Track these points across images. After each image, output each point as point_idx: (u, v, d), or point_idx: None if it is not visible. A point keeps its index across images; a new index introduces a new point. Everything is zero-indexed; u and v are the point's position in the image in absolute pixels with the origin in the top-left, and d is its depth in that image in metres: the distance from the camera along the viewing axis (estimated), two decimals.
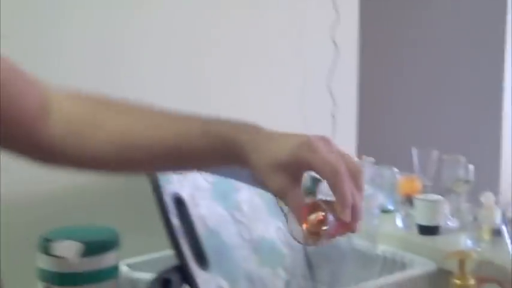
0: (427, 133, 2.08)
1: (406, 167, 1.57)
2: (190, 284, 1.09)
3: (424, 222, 1.44)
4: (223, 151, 0.75)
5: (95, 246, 1.14)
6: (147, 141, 0.79)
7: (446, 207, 1.47)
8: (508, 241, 1.26)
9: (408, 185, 1.55)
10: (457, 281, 1.16)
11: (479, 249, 1.27)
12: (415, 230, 1.44)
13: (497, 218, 1.33)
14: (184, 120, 0.79)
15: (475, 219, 1.38)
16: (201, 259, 1.14)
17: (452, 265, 1.20)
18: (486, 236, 1.33)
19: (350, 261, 1.32)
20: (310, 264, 1.35)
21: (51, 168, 0.81)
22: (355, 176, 0.72)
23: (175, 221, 1.15)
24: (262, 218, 1.34)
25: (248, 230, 1.28)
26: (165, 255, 1.22)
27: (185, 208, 1.19)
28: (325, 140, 0.73)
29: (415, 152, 1.59)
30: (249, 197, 1.34)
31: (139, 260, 1.27)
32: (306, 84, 1.71)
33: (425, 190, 1.54)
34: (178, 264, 1.11)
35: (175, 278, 1.08)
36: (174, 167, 0.87)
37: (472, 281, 1.16)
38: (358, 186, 0.72)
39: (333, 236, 0.73)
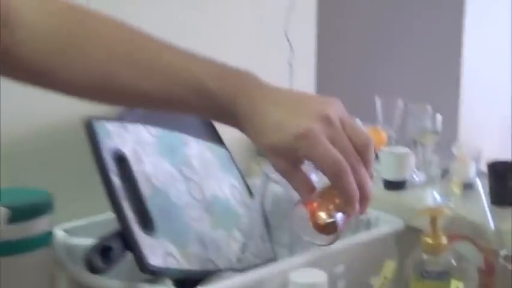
0: (390, 81, 1.98)
1: (369, 117, 1.46)
2: (133, 251, 0.97)
3: (390, 177, 1.34)
4: (216, 113, 0.71)
5: (24, 211, 1.00)
6: (131, 88, 0.70)
7: (412, 161, 1.37)
8: (482, 195, 1.16)
9: (372, 136, 1.43)
10: (428, 240, 1.06)
11: (450, 205, 1.17)
12: (381, 185, 1.34)
13: (471, 171, 1.23)
14: (175, 68, 0.70)
15: (445, 172, 1.29)
16: (146, 222, 1.02)
17: (422, 222, 1.11)
18: (457, 190, 1.23)
19: None
20: (268, 225, 1.24)
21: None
22: (363, 152, 0.68)
23: (115, 180, 1.02)
24: (215, 174, 1.22)
25: (199, 188, 1.16)
26: (106, 219, 1.09)
27: (127, 165, 1.06)
28: (328, 120, 0.67)
29: (378, 101, 1.48)
30: (199, 152, 1.22)
31: (77, 225, 1.14)
32: (262, 29, 1.58)
33: (389, 142, 1.44)
34: (120, 229, 0.98)
35: (116, 244, 0.96)
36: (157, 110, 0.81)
37: (444, 240, 1.07)
38: (366, 162, 0.68)
39: (342, 229, 0.70)
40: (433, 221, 1.06)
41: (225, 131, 1.28)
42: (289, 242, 1.21)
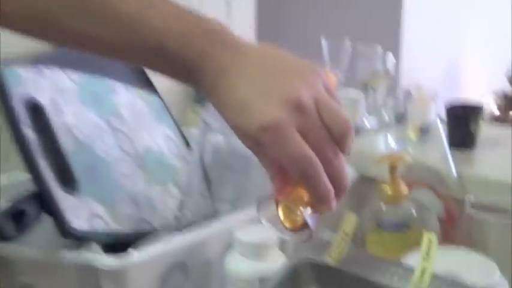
0: (336, 22, 1.87)
1: (315, 59, 1.34)
2: (52, 213, 0.83)
3: None
4: (177, 76, 0.62)
5: None
6: (77, 34, 0.62)
7: (363, 105, 1.26)
8: (444, 138, 1.06)
9: None
10: (387, 189, 0.96)
11: (408, 151, 1.07)
12: None
13: (431, 113, 1.14)
14: (131, 20, 0.60)
15: (399, 117, 1.19)
16: (68, 181, 0.88)
17: (378, 171, 1.01)
18: (413, 135, 1.13)
19: (257, 175, 1.10)
20: (208, 180, 1.12)
21: None
22: (341, 141, 0.60)
23: (29, 133, 0.87)
24: (147, 125, 1.09)
25: (130, 140, 1.02)
26: (20, 179, 0.95)
27: (43, 116, 0.91)
28: (301, 108, 0.58)
29: (324, 42, 1.37)
30: (129, 100, 1.08)
31: None
32: None
33: (338, 85, 1.33)
34: (36, 189, 0.85)
35: (31, 208, 0.82)
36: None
37: (404, 188, 0.97)
38: (343, 150, 0.60)
39: (316, 227, 0.63)
40: (393, 168, 0.96)
41: (157, 75, 1.15)
42: (232, 197, 1.10)
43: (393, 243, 0.96)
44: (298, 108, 0.58)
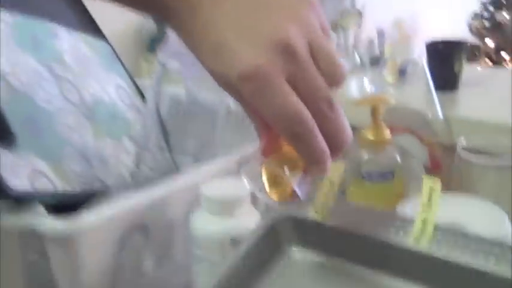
0: None
1: None
2: None
3: None
4: (141, 4, 0.54)
5: None
6: None
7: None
8: (428, 77, 0.96)
9: None
10: (369, 135, 0.86)
11: (388, 92, 0.97)
12: None
13: (414, 49, 1.03)
14: None
15: (376, 58, 1.08)
16: (4, 134, 0.76)
17: (356, 117, 0.90)
18: (391, 77, 1.03)
19: (224, 126, 0.98)
20: (166, 132, 1.00)
21: None
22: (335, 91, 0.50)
23: None
24: (95, 73, 0.97)
25: (75, 89, 0.90)
26: None
27: None
28: (290, 52, 0.47)
29: None
30: (73, 45, 0.95)
31: None
32: None
33: None
34: None
35: None
36: None
37: (387, 134, 0.87)
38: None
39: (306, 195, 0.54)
40: (375, 110, 0.86)
41: (104, 19, 1.02)
42: (195, 150, 0.98)
43: (377, 195, 0.86)
44: (287, 51, 0.47)
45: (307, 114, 0.48)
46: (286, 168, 0.54)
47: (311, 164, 0.51)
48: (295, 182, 0.53)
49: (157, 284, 0.79)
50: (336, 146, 0.51)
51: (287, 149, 0.53)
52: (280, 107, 0.48)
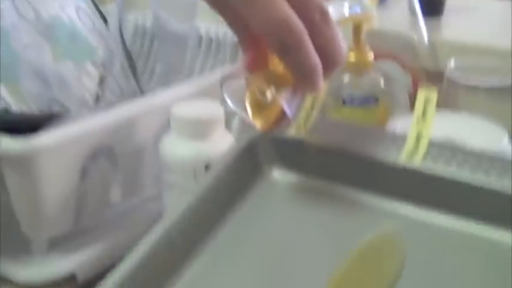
0: None
1: None
2: None
3: None
4: None
5: None
6: None
7: None
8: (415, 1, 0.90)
9: None
10: (351, 56, 0.80)
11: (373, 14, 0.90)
12: None
13: None
14: None
15: None
16: None
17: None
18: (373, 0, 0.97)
19: (192, 54, 0.91)
20: (130, 57, 0.93)
21: None
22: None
23: None
24: None
25: (30, 5, 0.82)
26: None
27: None
28: None
29: None
30: None
31: None
32: None
33: None
34: None
35: None
36: None
37: (370, 55, 0.81)
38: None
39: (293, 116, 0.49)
40: (357, 29, 0.80)
41: None
42: (161, 77, 0.92)
43: (359, 121, 0.81)
44: None
45: (298, 23, 0.43)
46: (272, 88, 0.48)
47: (301, 80, 0.46)
48: (283, 101, 0.48)
49: (125, 214, 0.73)
50: (330, 61, 0.46)
51: (275, 64, 0.48)
52: (269, 14, 0.43)
